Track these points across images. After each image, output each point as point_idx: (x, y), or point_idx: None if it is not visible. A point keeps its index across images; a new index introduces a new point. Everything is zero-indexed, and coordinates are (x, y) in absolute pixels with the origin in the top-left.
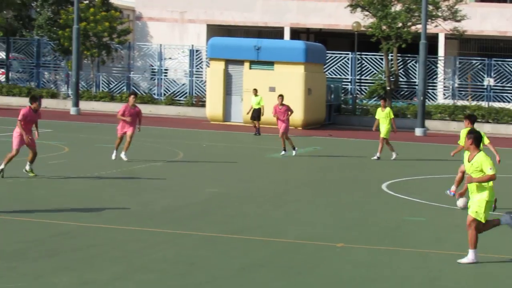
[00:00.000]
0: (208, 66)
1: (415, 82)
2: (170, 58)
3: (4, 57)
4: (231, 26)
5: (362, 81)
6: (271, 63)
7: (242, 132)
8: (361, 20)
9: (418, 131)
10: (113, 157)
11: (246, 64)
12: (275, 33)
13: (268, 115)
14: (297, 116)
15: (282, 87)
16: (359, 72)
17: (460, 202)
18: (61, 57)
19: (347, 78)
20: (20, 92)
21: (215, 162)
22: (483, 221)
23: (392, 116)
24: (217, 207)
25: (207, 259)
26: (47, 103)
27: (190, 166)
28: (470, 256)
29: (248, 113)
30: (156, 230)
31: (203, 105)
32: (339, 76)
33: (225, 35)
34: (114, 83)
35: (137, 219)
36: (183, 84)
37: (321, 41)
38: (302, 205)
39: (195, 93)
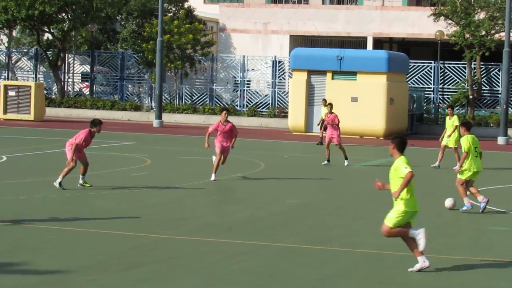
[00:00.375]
0: (291, 77)
1: (498, 90)
2: (253, 70)
3: (89, 70)
4: (314, 36)
5: (445, 90)
6: (353, 73)
7: (324, 143)
8: (444, 28)
9: (501, 140)
10: (213, 178)
11: (329, 75)
12: (358, 42)
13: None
14: (379, 126)
15: (364, 97)
16: (441, 81)
17: (448, 202)
18: (145, 70)
19: (430, 87)
20: (104, 105)
21: (297, 173)
22: (390, 225)
23: (457, 124)
24: (297, 218)
25: (287, 270)
26: (130, 116)
27: (271, 177)
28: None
29: (318, 124)
30: (236, 241)
31: (285, 116)
32: (421, 85)
33: (308, 46)
34: (197, 95)
35: (218, 230)
36: (265, 95)
37: (404, 50)
38: (382, 215)
39: (278, 104)
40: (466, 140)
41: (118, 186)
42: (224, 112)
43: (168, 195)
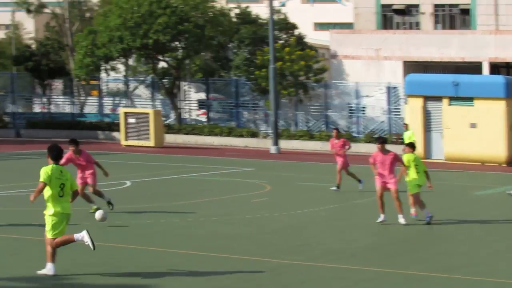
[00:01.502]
0: (406, 103)
1: None
2: (367, 96)
3: (205, 97)
4: (427, 62)
5: None
6: (470, 99)
7: (443, 170)
8: None
9: None
10: (402, 221)
11: (445, 101)
12: (473, 68)
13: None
14: (500, 153)
15: (482, 123)
16: None
17: (98, 215)
18: (259, 97)
19: None
20: (221, 132)
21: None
22: (49, 237)
23: None
24: (421, 244)
25: None
26: (247, 142)
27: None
28: (48, 267)
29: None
30: (360, 268)
31: (402, 143)
32: None
33: (421, 72)
34: (312, 121)
35: (341, 256)
36: (381, 122)
37: None
38: (503, 245)
39: (394, 130)
40: (407, 158)
41: (239, 211)
42: (378, 143)
43: (289, 220)
